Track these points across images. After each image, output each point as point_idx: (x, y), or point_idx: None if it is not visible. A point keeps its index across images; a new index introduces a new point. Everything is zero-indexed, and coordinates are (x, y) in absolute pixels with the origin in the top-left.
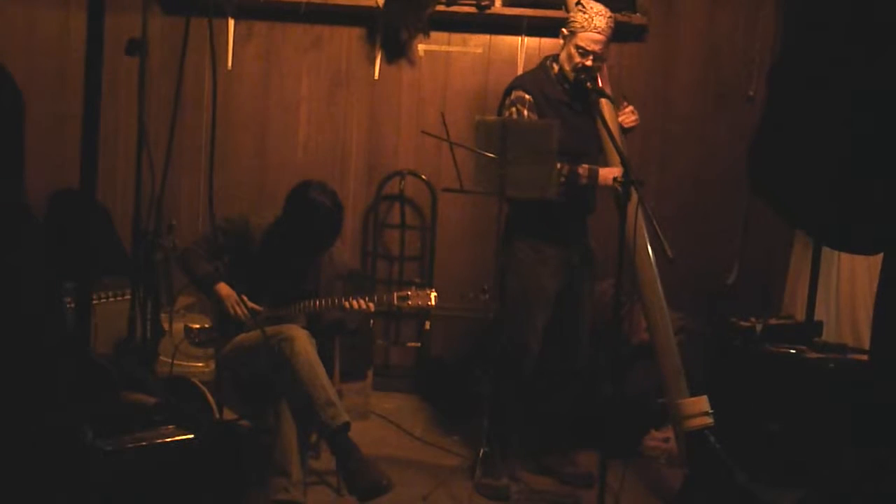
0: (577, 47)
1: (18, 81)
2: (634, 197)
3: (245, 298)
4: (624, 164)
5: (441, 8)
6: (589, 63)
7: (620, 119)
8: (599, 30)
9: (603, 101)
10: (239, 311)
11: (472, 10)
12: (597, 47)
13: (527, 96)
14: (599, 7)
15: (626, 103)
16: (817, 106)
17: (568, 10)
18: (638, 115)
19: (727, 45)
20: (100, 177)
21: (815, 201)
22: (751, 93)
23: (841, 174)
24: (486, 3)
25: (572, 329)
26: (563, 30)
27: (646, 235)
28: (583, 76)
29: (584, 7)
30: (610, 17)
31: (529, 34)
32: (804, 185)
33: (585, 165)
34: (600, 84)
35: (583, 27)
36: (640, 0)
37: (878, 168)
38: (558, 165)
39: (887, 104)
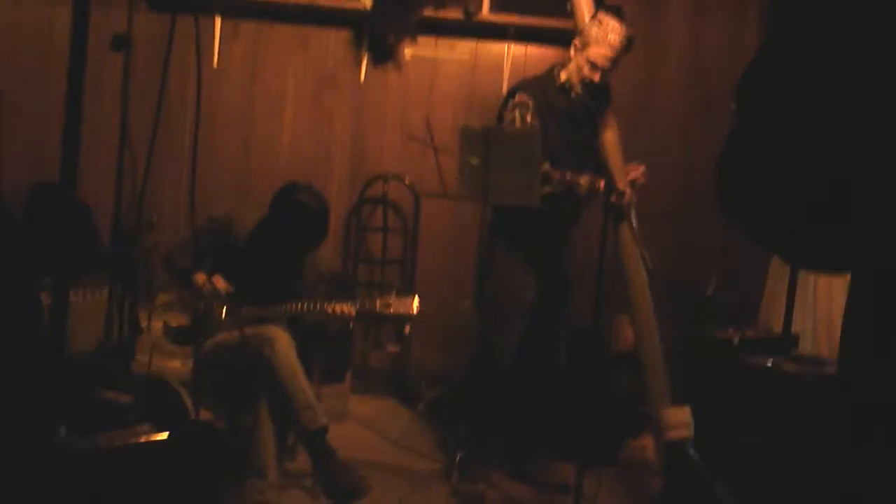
0: (589, 61)
1: (1, 75)
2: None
3: (218, 277)
4: (608, 182)
5: (428, 13)
6: (597, 79)
7: (629, 178)
8: (613, 47)
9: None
10: (209, 286)
11: (460, 15)
12: (607, 63)
13: (530, 101)
14: (615, 23)
15: (638, 163)
16: (784, 123)
17: (574, 18)
18: (646, 178)
19: (712, 56)
20: (81, 172)
21: (780, 221)
22: (734, 106)
23: (806, 193)
24: (474, 9)
25: (551, 336)
26: (576, 41)
27: (636, 245)
28: (585, 91)
29: (600, 21)
30: (624, 34)
31: (516, 41)
32: (769, 203)
33: (587, 176)
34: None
35: (596, 41)
36: (627, 11)
37: (844, 189)
38: (557, 174)
39: (855, 124)
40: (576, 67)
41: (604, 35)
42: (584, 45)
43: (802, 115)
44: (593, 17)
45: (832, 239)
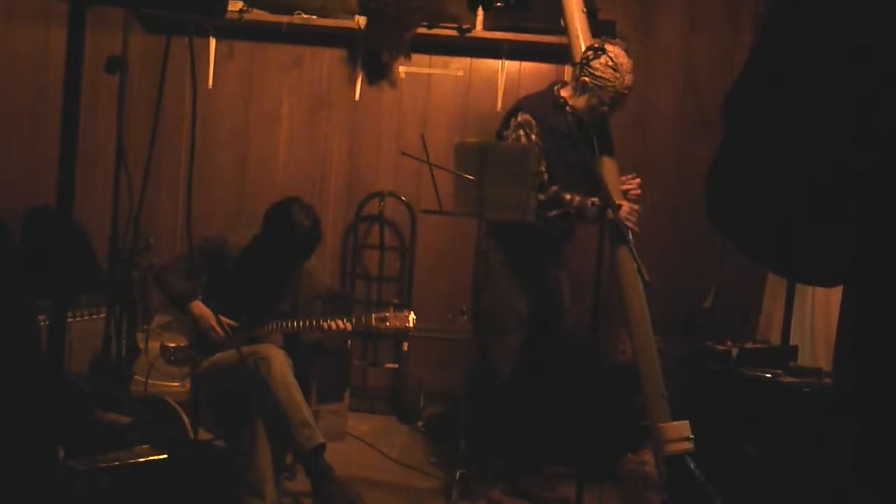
0: (604, 102)
1: None
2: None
3: (221, 318)
4: (607, 202)
5: (422, 30)
6: (606, 111)
7: (623, 188)
8: (629, 87)
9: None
10: (214, 334)
11: (453, 33)
12: (621, 100)
13: (534, 121)
14: (627, 61)
15: (633, 175)
16: (772, 137)
17: (567, 36)
18: (640, 190)
19: (705, 72)
20: (77, 194)
21: (769, 233)
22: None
23: (796, 206)
24: (467, 26)
25: (547, 352)
26: (587, 80)
27: (633, 259)
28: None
29: (614, 64)
30: (631, 66)
31: (510, 58)
32: (758, 216)
33: (594, 201)
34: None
35: (614, 87)
36: (620, 27)
37: (835, 200)
38: (567, 196)
39: (846, 137)
40: (587, 105)
41: (620, 80)
42: (601, 88)
43: (787, 128)
44: (600, 51)
45: (820, 251)
